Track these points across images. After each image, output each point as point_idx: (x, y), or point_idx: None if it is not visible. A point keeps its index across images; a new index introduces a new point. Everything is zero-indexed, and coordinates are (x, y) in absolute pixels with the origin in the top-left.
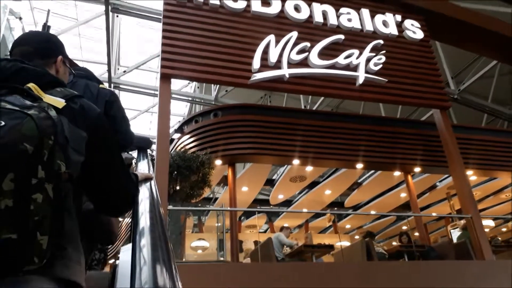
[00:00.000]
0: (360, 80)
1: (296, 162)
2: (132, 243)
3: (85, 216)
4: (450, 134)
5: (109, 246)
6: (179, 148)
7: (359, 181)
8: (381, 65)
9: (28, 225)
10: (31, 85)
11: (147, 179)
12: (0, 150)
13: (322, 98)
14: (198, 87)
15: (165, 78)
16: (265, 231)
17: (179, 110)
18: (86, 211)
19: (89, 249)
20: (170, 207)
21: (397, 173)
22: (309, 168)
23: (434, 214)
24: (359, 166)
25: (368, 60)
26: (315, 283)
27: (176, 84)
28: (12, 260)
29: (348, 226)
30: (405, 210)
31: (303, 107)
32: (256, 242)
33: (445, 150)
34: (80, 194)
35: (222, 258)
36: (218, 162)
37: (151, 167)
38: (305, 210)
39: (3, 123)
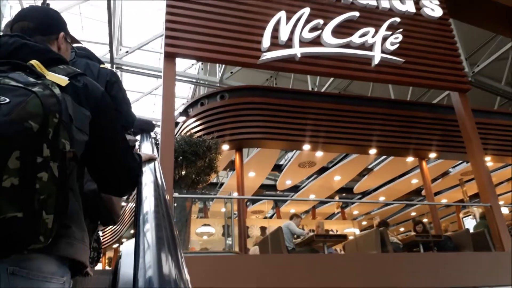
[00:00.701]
0: (376, 60)
1: (306, 147)
2: (136, 226)
3: (87, 196)
4: (469, 118)
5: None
6: (184, 132)
7: (370, 166)
8: (397, 45)
9: (34, 204)
10: (34, 62)
11: (150, 159)
12: (6, 127)
13: (331, 80)
14: (202, 69)
15: (169, 58)
16: (271, 217)
17: (183, 93)
18: (88, 191)
19: (91, 229)
20: (176, 194)
21: (410, 159)
22: (319, 154)
23: (450, 203)
24: (372, 151)
25: (384, 39)
26: (328, 275)
27: (180, 66)
28: (17, 239)
29: (356, 212)
30: (415, 196)
31: (310, 90)
32: (262, 228)
33: (463, 135)
34: (83, 173)
35: (229, 242)
36: (225, 147)
37: (155, 149)
38: (312, 195)
39: (7, 100)
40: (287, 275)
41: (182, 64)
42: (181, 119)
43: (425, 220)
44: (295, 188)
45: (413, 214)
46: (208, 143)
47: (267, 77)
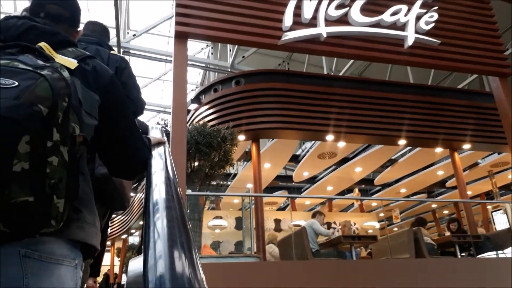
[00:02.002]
0: (409, 41)
1: (330, 138)
2: (145, 215)
3: (99, 180)
4: (510, 106)
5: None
6: (196, 120)
7: (394, 157)
8: (432, 24)
9: (45, 188)
10: (42, 44)
11: (160, 143)
12: (15, 111)
13: (348, 65)
14: (212, 53)
15: (180, 38)
16: (284, 208)
17: (192, 78)
18: (99, 175)
19: (102, 213)
20: (189, 191)
21: (438, 150)
22: (341, 144)
23: (483, 200)
24: (401, 142)
25: (418, 18)
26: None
27: (189, 50)
28: (29, 223)
29: (374, 204)
30: (438, 188)
31: (334, 75)
32: (276, 221)
33: (504, 124)
34: (93, 157)
35: (242, 240)
36: (241, 137)
37: (164, 135)
38: (330, 187)
39: (16, 83)
40: (314, 280)
41: (191, 49)
42: (192, 106)
43: (445, 211)
44: (311, 179)
45: (434, 206)
46: (223, 133)
47: (279, 62)
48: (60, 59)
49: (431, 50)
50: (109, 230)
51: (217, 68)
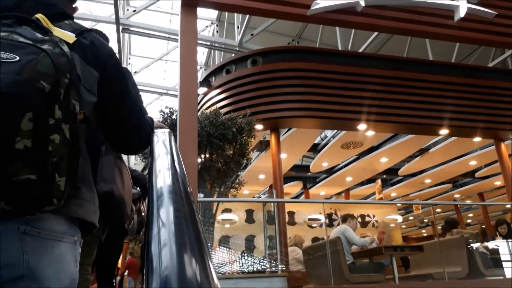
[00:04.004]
0: (461, 13)
1: (361, 127)
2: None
3: (98, 198)
4: None
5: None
6: (205, 107)
7: (424, 147)
8: None
9: (47, 166)
10: (39, 15)
11: (162, 128)
12: (18, 87)
13: (367, 43)
14: (217, 31)
15: (189, 7)
16: (295, 197)
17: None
18: (100, 193)
19: (102, 229)
20: (201, 196)
21: (477, 139)
22: (370, 133)
23: None
24: (443, 132)
25: None
26: None
27: None
28: (31, 201)
29: (393, 194)
30: (462, 178)
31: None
32: (290, 213)
33: None
34: (91, 135)
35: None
36: (258, 126)
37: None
38: (349, 178)
39: (17, 58)
40: None
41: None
42: (200, 90)
43: (468, 201)
44: (329, 170)
45: (457, 196)
46: (240, 123)
47: (289, 41)
48: (58, 32)
49: (485, 23)
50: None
51: (223, 46)
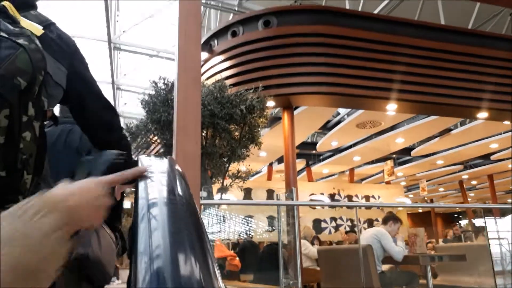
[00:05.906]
0: None
1: (391, 107)
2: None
3: (76, 260)
4: None
5: None
6: (205, 77)
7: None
8: None
9: (17, 163)
10: (6, 3)
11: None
12: None
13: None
14: None
15: None
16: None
17: None
18: (77, 256)
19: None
20: (204, 194)
21: (506, 122)
22: (391, 112)
23: None
24: (482, 115)
25: None
26: None
27: None
28: None
29: (400, 174)
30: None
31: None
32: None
33: None
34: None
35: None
36: (270, 103)
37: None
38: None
39: None
40: None
41: None
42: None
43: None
44: (335, 149)
45: (465, 177)
46: (250, 101)
47: (291, 3)
48: (25, 23)
49: None
50: None
51: (220, 5)
